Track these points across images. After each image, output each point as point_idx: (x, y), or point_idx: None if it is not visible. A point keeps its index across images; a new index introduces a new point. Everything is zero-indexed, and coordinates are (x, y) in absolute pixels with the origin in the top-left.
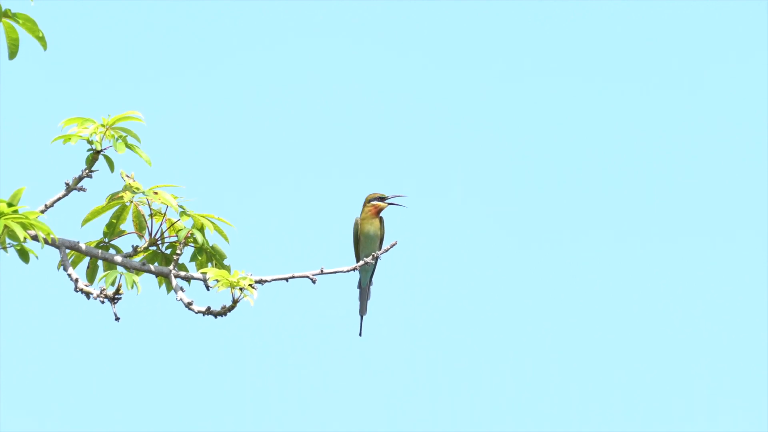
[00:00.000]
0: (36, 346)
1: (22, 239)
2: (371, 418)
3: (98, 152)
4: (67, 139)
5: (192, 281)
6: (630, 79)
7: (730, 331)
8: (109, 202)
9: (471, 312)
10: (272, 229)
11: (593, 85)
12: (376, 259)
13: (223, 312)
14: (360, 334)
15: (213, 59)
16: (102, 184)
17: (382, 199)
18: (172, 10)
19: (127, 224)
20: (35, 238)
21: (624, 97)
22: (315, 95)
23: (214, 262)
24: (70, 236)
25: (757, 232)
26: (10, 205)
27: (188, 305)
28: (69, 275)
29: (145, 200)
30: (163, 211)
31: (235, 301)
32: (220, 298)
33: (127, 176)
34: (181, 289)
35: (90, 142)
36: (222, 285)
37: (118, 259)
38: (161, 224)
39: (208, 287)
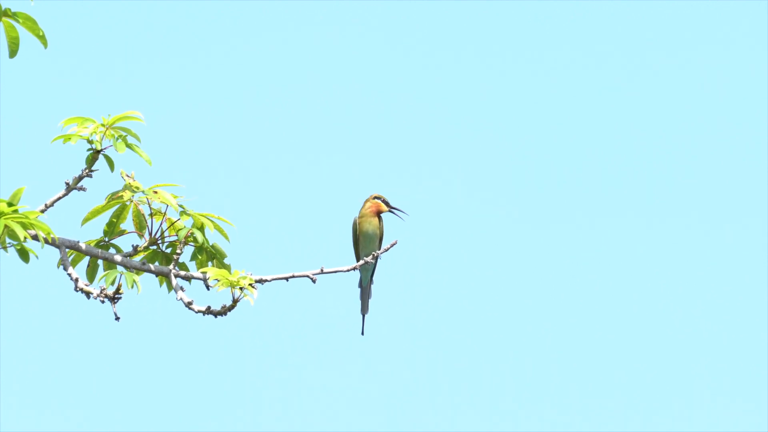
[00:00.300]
0: (36, 346)
1: (22, 239)
2: (372, 418)
3: (98, 152)
4: (67, 138)
5: (192, 281)
6: (630, 75)
7: (730, 330)
8: (109, 202)
9: (472, 311)
10: (272, 228)
11: (593, 81)
12: (376, 258)
13: (223, 311)
14: (362, 333)
15: (213, 59)
16: (102, 184)
17: (386, 203)
18: (172, 9)
19: (127, 224)
20: (35, 237)
21: (624, 95)
22: (315, 95)
23: (214, 261)
24: (70, 236)
25: (758, 228)
26: (10, 204)
27: (188, 305)
28: (69, 275)
29: (145, 199)
30: (163, 211)
31: (235, 301)
32: (220, 297)
33: (127, 176)
34: (182, 288)
35: (90, 142)
36: (222, 284)
37: (118, 258)
38: (161, 223)
39: (208, 287)
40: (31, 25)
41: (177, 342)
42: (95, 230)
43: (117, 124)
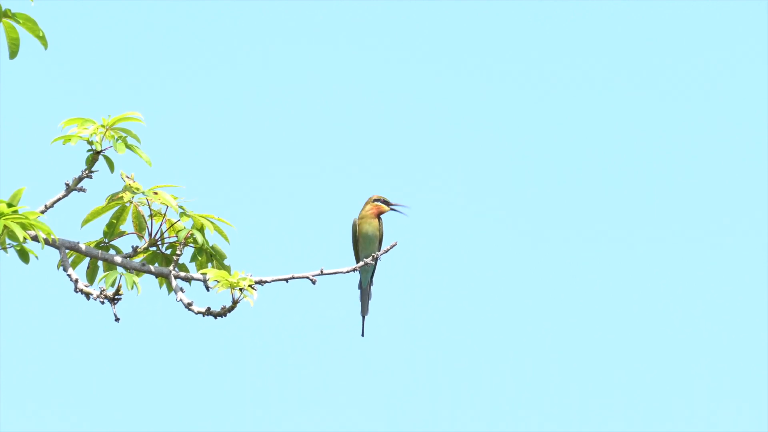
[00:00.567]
0: (36, 347)
1: (22, 239)
2: (372, 419)
3: (98, 153)
4: (67, 139)
5: (192, 282)
6: (630, 79)
7: (730, 331)
8: (109, 203)
9: (472, 312)
10: (272, 229)
11: (593, 85)
12: (375, 259)
13: (223, 313)
14: (362, 335)
15: (213, 59)
16: (102, 185)
17: (386, 203)
18: (172, 10)
19: (127, 225)
20: (35, 238)
21: (623, 98)
22: (315, 95)
23: (214, 262)
24: (70, 237)
25: (757, 231)
26: (10, 205)
27: (188, 306)
28: (69, 276)
29: (145, 201)
30: (163, 212)
31: (235, 302)
32: (220, 298)
33: (127, 177)
34: (181, 289)
35: (90, 143)
36: (222, 286)
37: (118, 259)
38: (161, 225)
39: (208, 288)
40: (32, 26)
41: (177, 343)
42: (95, 231)
43: (117, 125)
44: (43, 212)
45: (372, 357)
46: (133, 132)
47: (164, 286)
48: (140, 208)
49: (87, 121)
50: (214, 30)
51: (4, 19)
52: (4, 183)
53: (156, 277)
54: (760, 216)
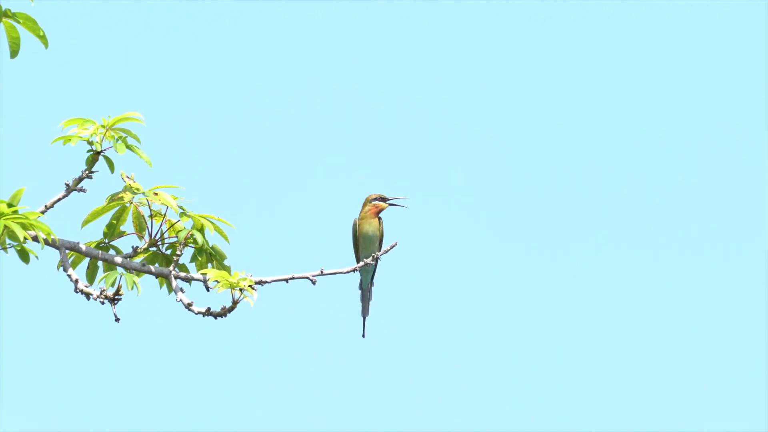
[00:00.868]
0: (36, 347)
1: (22, 239)
2: (372, 419)
3: (98, 153)
4: (67, 139)
5: (192, 282)
6: (630, 84)
7: (730, 332)
8: (109, 203)
9: (472, 312)
10: (272, 229)
11: (593, 89)
12: (376, 260)
13: (223, 313)
14: (363, 335)
15: (213, 60)
16: (102, 185)
17: (383, 199)
18: (172, 11)
19: (127, 225)
20: (35, 238)
21: (624, 102)
22: (315, 96)
23: (214, 262)
24: (70, 237)
25: (757, 233)
26: (10, 205)
27: (188, 306)
28: (69, 276)
29: (145, 201)
30: (163, 212)
31: (235, 302)
32: (220, 299)
33: (127, 177)
34: (181, 290)
35: (90, 143)
36: (222, 286)
37: (118, 260)
38: (161, 225)
39: (208, 288)
40: (32, 25)
41: (177, 343)
42: (95, 232)
43: (117, 126)
44: (43, 212)
45: (372, 358)
46: (133, 132)
47: (164, 287)
48: (140, 209)
49: (87, 121)
50: (214, 30)
51: (4, 19)
52: (4, 183)
53: (156, 278)
54: (760, 218)
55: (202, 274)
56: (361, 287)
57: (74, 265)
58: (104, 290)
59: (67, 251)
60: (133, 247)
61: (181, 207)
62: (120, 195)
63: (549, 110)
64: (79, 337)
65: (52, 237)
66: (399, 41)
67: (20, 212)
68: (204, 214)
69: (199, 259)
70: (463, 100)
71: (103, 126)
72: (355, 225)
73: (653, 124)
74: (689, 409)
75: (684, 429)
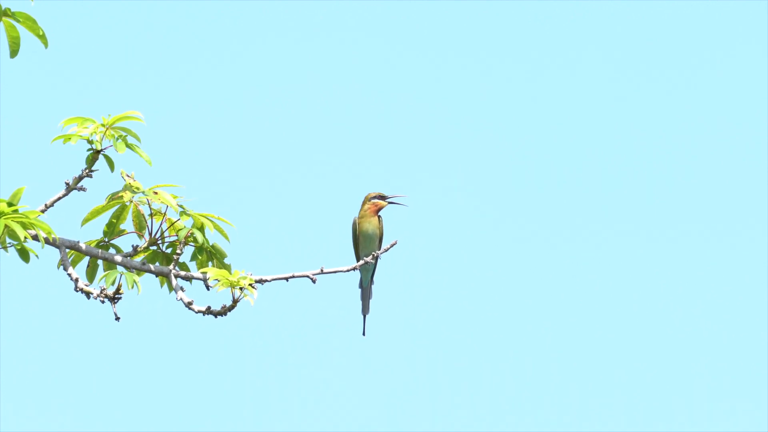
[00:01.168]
0: (36, 346)
1: (22, 239)
2: (372, 418)
3: (98, 152)
4: (67, 138)
5: (192, 281)
6: (629, 78)
7: (730, 331)
8: (109, 202)
9: (472, 311)
10: (272, 228)
11: (593, 83)
12: (376, 258)
13: (223, 312)
14: (363, 334)
15: (213, 59)
16: (102, 184)
17: (382, 198)
18: (172, 10)
19: (127, 224)
20: (35, 237)
21: (623, 96)
22: (314, 94)
23: (214, 261)
24: (70, 236)
25: (757, 230)
26: (10, 204)
27: (188, 305)
28: (69, 275)
29: (145, 200)
30: (163, 211)
31: (235, 301)
32: (220, 297)
33: (127, 176)
34: (182, 288)
35: (90, 142)
36: (222, 285)
37: (118, 258)
38: (161, 224)
39: (208, 287)
40: (32, 24)
41: (177, 342)
42: (95, 230)
43: (117, 124)
44: (43, 211)
45: (373, 356)
46: (133, 131)
47: (164, 285)
48: (140, 207)
49: (87, 120)
50: (214, 30)
51: (4, 18)
52: (4, 182)
53: (156, 276)
54: (760, 216)
55: (203, 272)
56: (361, 286)
57: (74, 264)
58: (104, 289)
59: (67, 250)
60: (133, 245)
61: (181, 206)
62: (120, 194)
63: (548, 107)
64: (80, 336)
65: (53, 236)
66: (399, 39)
67: (20, 211)
68: (204, 213)
69: (199, 257)
70: (462, 97)
71: (103, 125)
72: (354, 223)
73: (654, 119)
74: (689, 407)
75: (684, 429)
